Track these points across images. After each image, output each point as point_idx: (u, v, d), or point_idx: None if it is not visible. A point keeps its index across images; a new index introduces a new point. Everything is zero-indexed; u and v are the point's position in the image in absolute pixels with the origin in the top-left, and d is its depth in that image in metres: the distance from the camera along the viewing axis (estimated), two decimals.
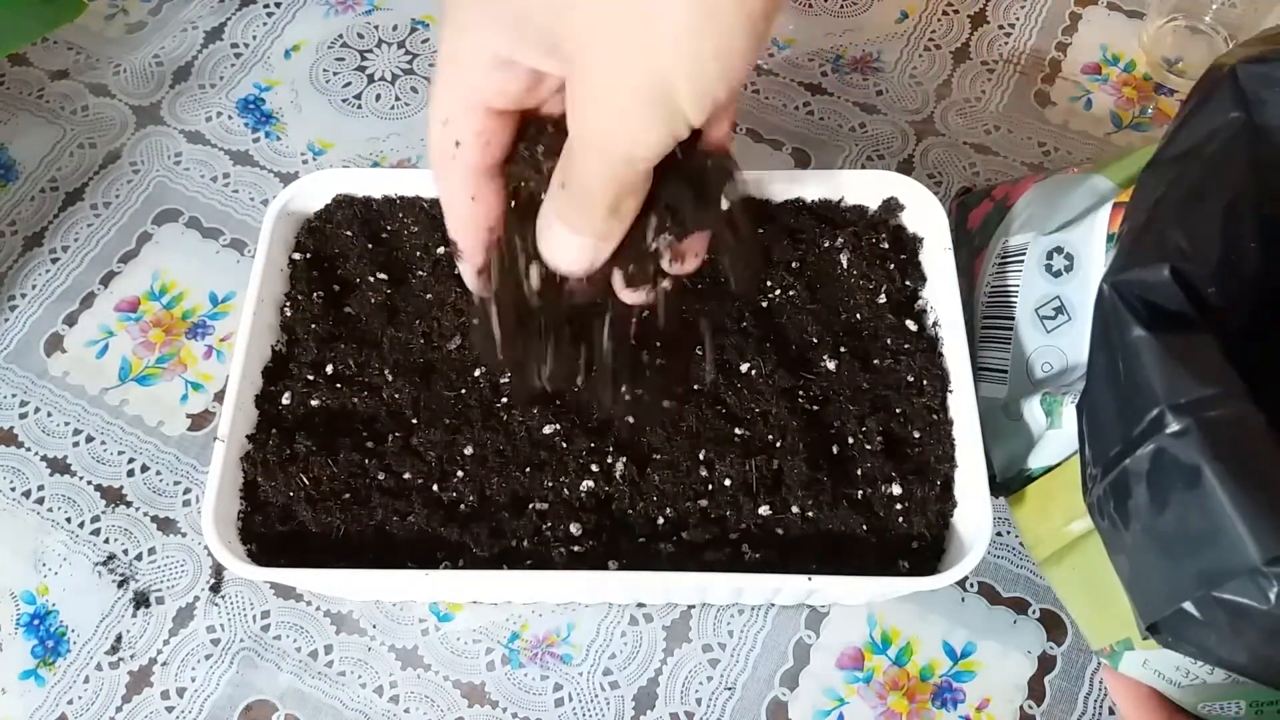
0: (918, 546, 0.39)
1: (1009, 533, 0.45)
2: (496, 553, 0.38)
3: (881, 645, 0.43)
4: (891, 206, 0.45)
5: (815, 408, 0.41)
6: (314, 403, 0.41)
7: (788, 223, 0.45)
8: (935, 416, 0.41)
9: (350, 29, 0.60)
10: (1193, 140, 0.33)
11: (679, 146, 0.27)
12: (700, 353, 0.41)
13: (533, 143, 0.30)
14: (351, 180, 0.46)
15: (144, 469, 0.47)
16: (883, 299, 0.43)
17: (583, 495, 0.39)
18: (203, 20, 0.60)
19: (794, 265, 0.44)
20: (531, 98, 0.30)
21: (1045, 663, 0.43)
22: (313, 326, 0.43)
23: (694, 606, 0.44)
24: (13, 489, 0.47)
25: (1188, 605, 0.29)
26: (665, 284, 0.33)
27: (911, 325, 0.42)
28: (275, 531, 0.39)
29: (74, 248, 0.53)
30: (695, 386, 0.41)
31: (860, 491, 0.39)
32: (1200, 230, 0.31)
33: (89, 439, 0.48)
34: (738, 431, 0.40)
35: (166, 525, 0.46)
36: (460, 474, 0.39)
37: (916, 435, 0.40)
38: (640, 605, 0.44)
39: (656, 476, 0.39)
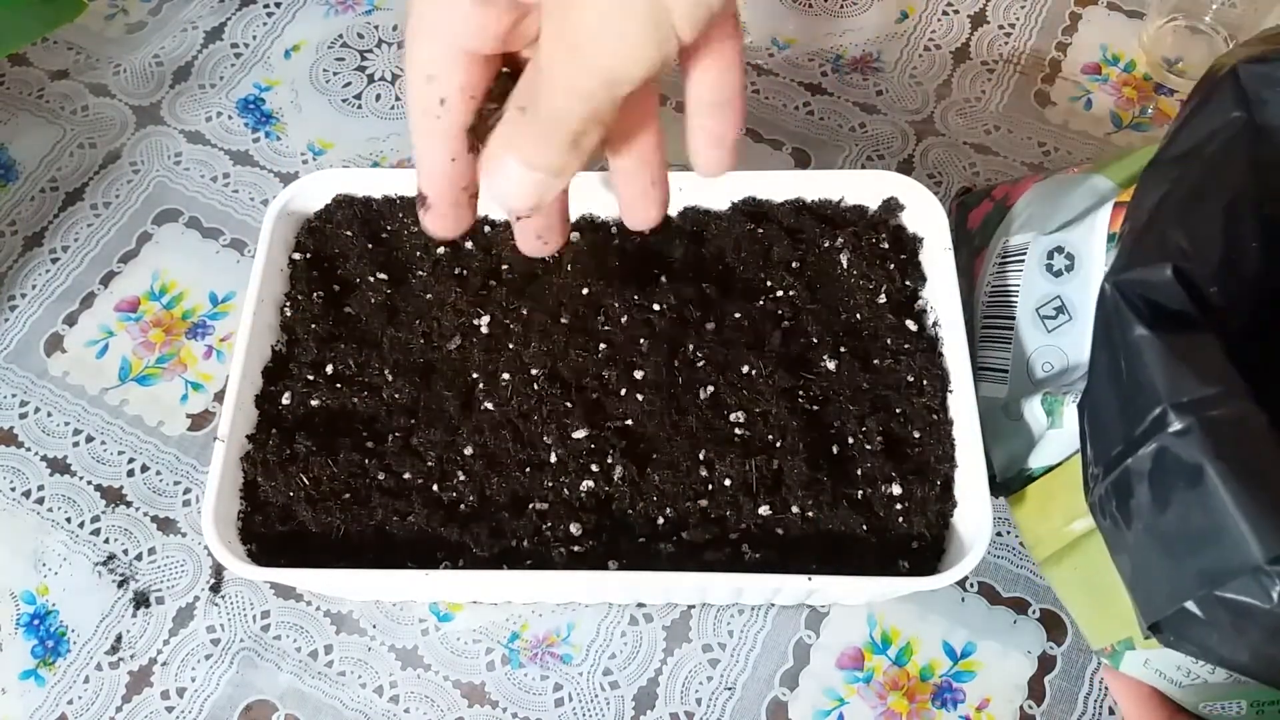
0: (918, 546, 0.39)
1: (1009, 533, 0.45)
2: (496, 553, 0.38)
3: (881, 645, 0.43)
4: (891, 206, 0.45)
5: (815, 408, 0.41)
6: (314, 403, 0.41)
7: (788, 223, 0.45)
8: (935, 416, 0.40)
9: (350, 29, 0.60)
10: (1194, 140, 0.33)
11: None
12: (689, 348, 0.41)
13: (504, 93, 0.30)
14: (351, 180, 0.46)
15: (144, 469, 0.47)
16: (883, 299, 0.43)
17: (583, 495, 0.39)
18: (203, 20, 0.60)
19: (794, 265, 0.44)
20: (514, 38, 0.29)
21: (1045, 663, 0.43)
22: (313, 326, 0.43)
23: (694, 606, 0.44)
24: (13, 489, 0.47)
25: (1190, 605, 0.29)
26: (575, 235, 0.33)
27: (911, 325, 0.42)
28: (275, 531, 0.39)
29: (74, 248, 0.53)
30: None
31: (860, 491, 0.39)
32: (1202, 230, 0.31)
33: (89, 439, 0.48)
34: (738, 431, 0.40)
35: (166, 525, 0.46)
36: (460, 474, 0.39)
37: (916, 435, 0.40)
38: (640, 605, 0.44)
39: (656, 476, 0.39)
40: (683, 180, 0.45)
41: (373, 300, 0.44)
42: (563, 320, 0.42)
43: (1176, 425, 0.29)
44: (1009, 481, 0.40)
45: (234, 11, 0.60)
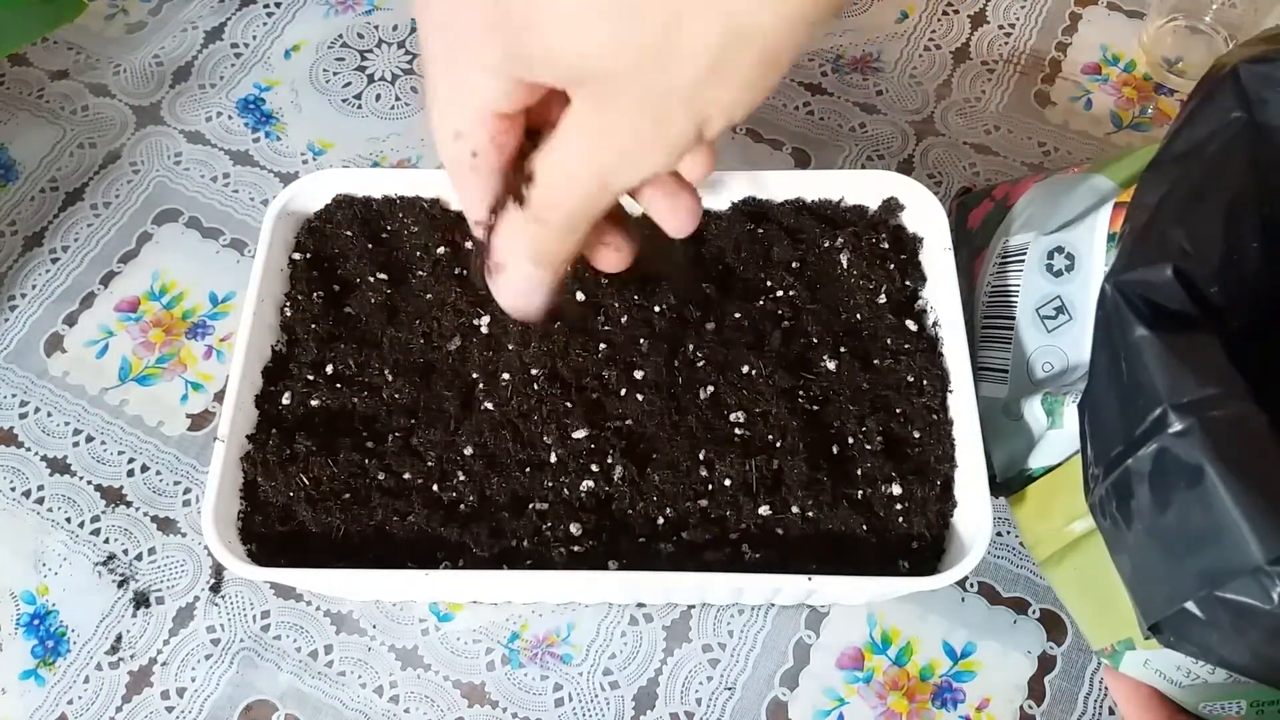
0: (918, 546, 0.39)
1: (1009, 533, 0.45)
2: (496, 553, 0.38)
3: (881, 645, 0.43)
4: (891, 206, 0.45)
5: (815, 408, 0.41)
6: (314, 403, 0.41)
7: (788, 223, 0.45)
8: (935, 416, 0.40)
9: (350, 29, 0.60)
10: (1194, 140, 0.33)
11: None
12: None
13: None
14: (351, 180, 0.46)
15: (144, 469, 0.47)
16: (883, 299, 0.43)
17: (583, 495, 0.39)
18: (203, 20, 0.60)
19: (794, 265, 0.44)
20: (538, 95, 0.29)
21: (1045, 663, 0.43)
22: (313, 326, 0.43)
23: (694, 606, 0.44)
24: (13, 489, 0.47)
25: (1190, 605, 0.29)
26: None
27: (911, 325, 0.42)
28: (275, 531, 0.39)
29: (74, 248, 0.53)
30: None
31: (860, 491, 0.39)
32: (1202, 230, 0.31)
33: (89, 439, 0.48)
34: (738, 431, 0.40)
35: (166, 525, 0.46)
36: (460, 474, 0.39)
37: (916, 435, 0.40)
38: (640, 605, 0.44)
39: (656, 476, 0.39)
40: None
41: (373, 300, 0.44)
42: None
43: (1177, 426, 0.29)
44: (1009, 481, 0.40)
45: (234, 11, 0.60)
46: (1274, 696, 0.33)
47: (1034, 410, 0.38)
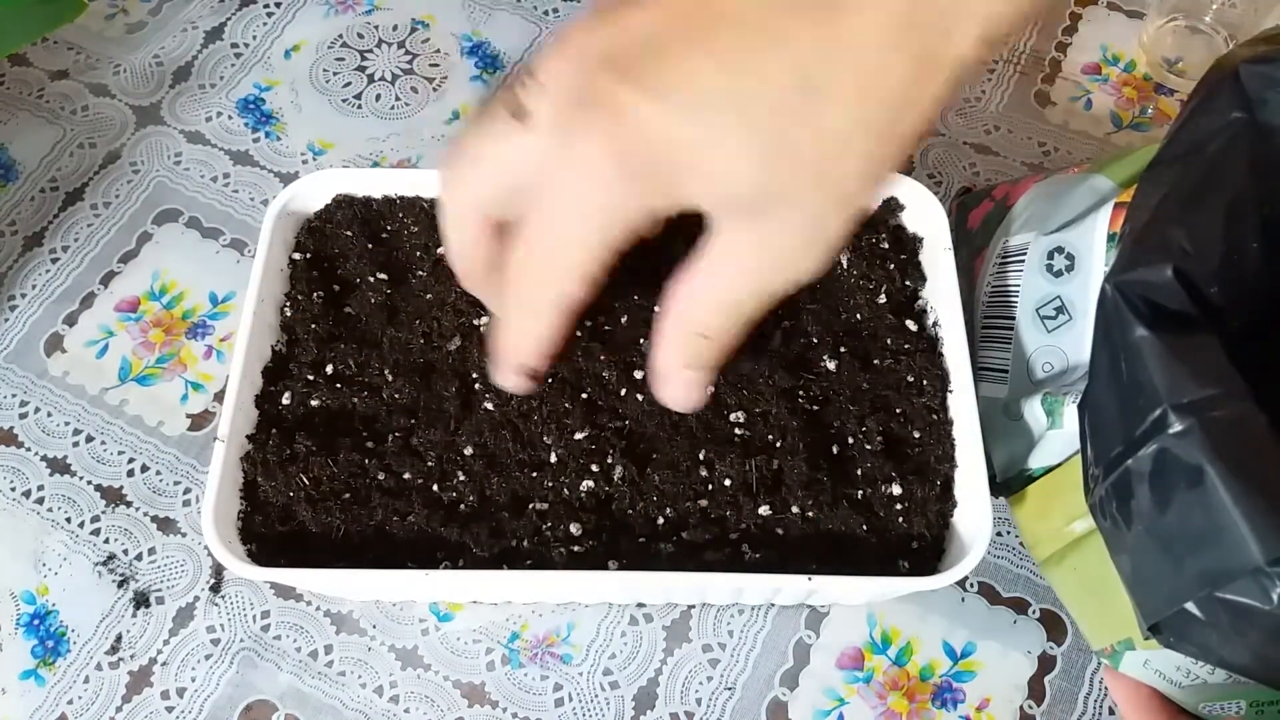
0: (918, 546, 0.39)
1: (1009, 533, 0.45)
2: (496, 553, 0.38)
3: (881, 645, 0.43)
4: (891, 206, 0.45)
5: (815, 408, 0.41)
6: (314, 403, 0.41)
7: None
8: (935, 416, 0.40)
9: (350, 29, 0.60)
10: (1194, 140, 0.33)
11: None
12: None
13: None
14: (351, 180, 0.46)
15: (144, 469, 0.47)
16: (883, 299, 0.43)
17: (583, 495, 0.39)
18: (203, 20, 0.60)
19: None
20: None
21: (1045, 663, 0.43)
22: (313, 326, 0.43)
23: (694, 606, 0.44)
24: (13, 489, 0.47)
25: (1190, 605, 0.29)
26: None
27: (911, 325, 0.42)
28: (275, 531, 0.39)
29: (74, 248, 0.53)
30: None
31: (860, 491, 0.39)
32: (1202, 230, 0.31)
33: (89, 439, 0.48)
34: (738, 432, 0.40)
35: (166, 525, 0.46)
36: (460, 474, 0.39)
37: (916, 435, 0.40)
38: (640, 605, 0.44)
39: (656, 476, 0.39)
40: None
41: (373, 300, 0.44)
42: None
43: (1177, 426, 0.29)
44: (1009, 481, 0.40)
45: (234, 11, 0.60)
46: (1274, 696, 0.33)
47: (1034, 410, 0.39)
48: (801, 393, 0.41)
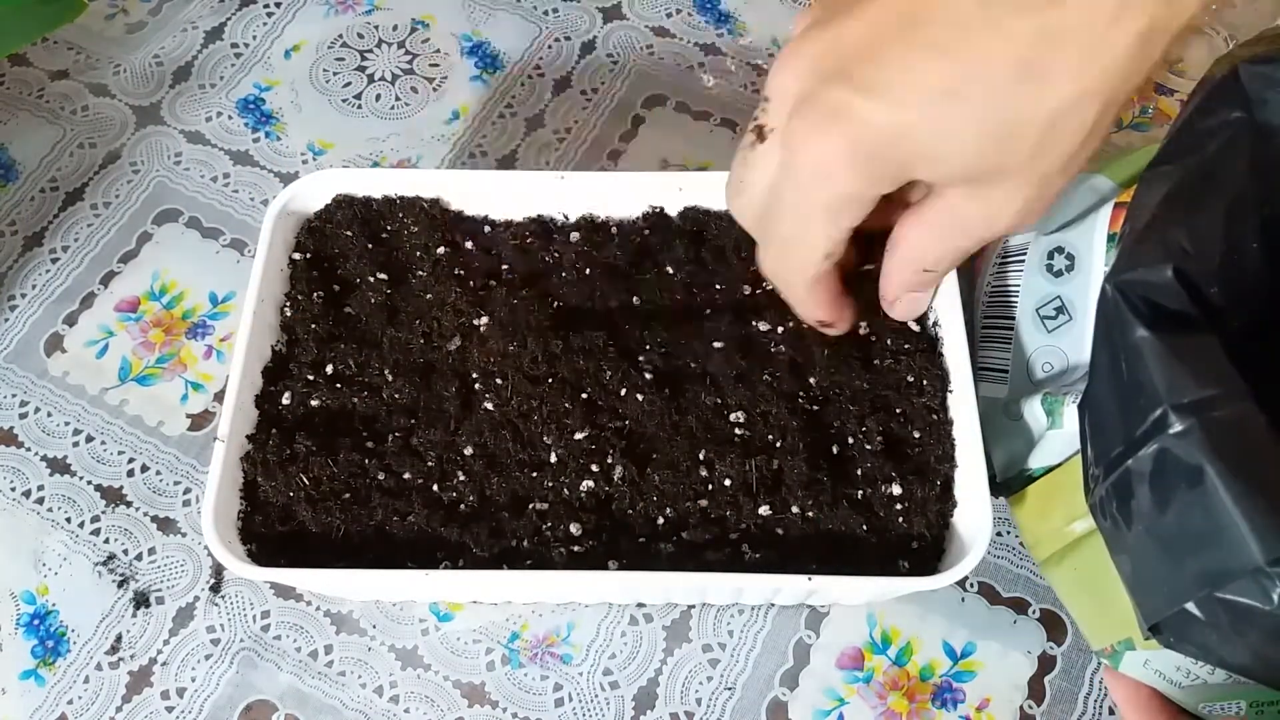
0: (918, 546, 0.39)
1: (1009, 533, 0.45)
2: (496, 553, 0.38)
3: (881, 645, 0.43)
4: None
5: (815, 408, 0.41)
6: (314, 403, 0.41)
7: None
8: (935, 416, 0.40)
9: (350, 29, 0.60)
10: (1194, 140, 0.33)
11: None
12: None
13: None
14: (351, 180, 0.46)
15: (144, 469, 0.47)
16: None
17: (583, 495, 0.39)
18: (203, 20, 0.60)
19: None
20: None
21: (1045, 663, 0.43)
22: (313, 326, 0.43)
23: (694, 606, 0.44)
24: (13, 489, 0.47)
25: (1190, 606, 0.29)
26: None
27: (912, 325, 0.42)
28: (275, 531, 0.39)
29: (74, 248, 0.53)
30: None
31: (860, 491, 0.39)
32: (1202, 230, 0.31)
33: (89, 439, 0.48)
34: (738, 432, 0.40)
35: (166, 525, 0.46)
36: (460, 474, 0.39)
37: (916, 435, 0.40)
38: (640, 605, 0.44)
39: (656, 476, 0.39)
40: (683, 180, 0.45)
41: (373, 300, 0.44)
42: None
43: (1177, 426, 0.29)
44: (1009, 481, 0.40)
45: (234, 11, 0.60)
46: (1274, 697, 0.33)
47: (1034, 410, 0.38)
48: (801, 393, 0.41)
